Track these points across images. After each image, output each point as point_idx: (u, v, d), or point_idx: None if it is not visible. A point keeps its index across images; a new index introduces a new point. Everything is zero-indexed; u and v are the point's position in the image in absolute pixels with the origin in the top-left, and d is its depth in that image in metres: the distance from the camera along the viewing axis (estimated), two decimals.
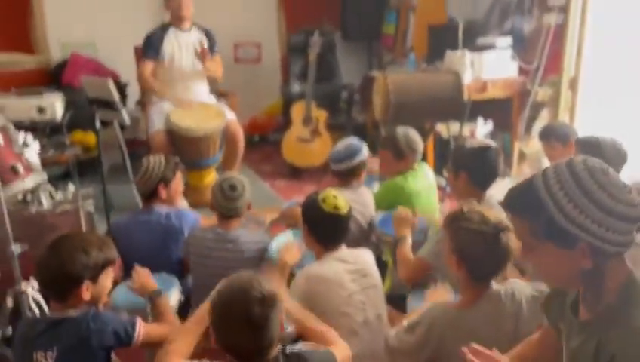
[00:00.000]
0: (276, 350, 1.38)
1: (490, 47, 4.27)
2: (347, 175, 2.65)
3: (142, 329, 1.64)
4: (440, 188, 3.66)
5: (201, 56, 3.64)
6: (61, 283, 1.59)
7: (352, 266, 1.98)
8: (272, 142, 5.62)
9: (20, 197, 2.21)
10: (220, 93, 4.38)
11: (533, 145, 4.27)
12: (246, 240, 2.31)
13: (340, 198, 2.01)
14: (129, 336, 1.61)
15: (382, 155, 2.87)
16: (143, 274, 1.97)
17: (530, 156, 4.43)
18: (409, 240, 2.30)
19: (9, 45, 5.06)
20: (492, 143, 2.34)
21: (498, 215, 1.59)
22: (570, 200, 1.02)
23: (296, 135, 4.70)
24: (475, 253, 1.56)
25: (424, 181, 2.87)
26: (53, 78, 5.11)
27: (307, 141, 4.61)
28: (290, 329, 1.72)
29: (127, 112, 4.99)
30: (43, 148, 2.95)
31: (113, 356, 1.72)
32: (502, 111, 4.36)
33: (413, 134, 2.84)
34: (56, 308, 1.62)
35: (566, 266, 1.08)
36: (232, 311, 1.33)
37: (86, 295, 1.63)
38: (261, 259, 2.31)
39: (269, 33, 6.04)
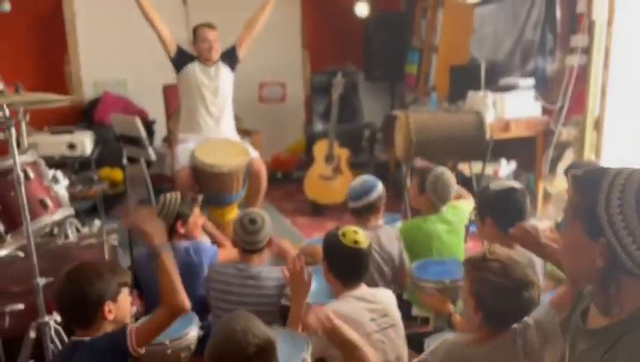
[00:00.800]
0: None
1: (512, 87, 4.29)
2: (365, 211, 2.65)
3: (133, 333, 1.61)
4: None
5: None
6: (84, 308, 1.63)
7: (371, 305, 1.96)
8: (294, 179, 5.67)
9: (47, 230, 2.26)
10: (244, 132, 4.47)
11: (558, 184, 4.22)
12: (267, 276, 2.31)
13: (360, 233, 2.01)
14: (123, 346, 1.59)
15: (412, 182, 2.89)
16: (153, 220, 1.83)
17: (556, 196, 4.38)
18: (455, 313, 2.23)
19: (45, 85, 5.28)
20: (517, 184, 2.30)
21: (524, 266, 1.55)
22: (621, 198, 1.03)
23: (319, 173, 4.74)
24: (494, 305, 1.53)
25: (448, 225, 2.81)
26: (85, 115, 5.30)
27: (329, 179, 4.64)
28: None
29: (153, 149, 5.22)
30: (72, 183, 3.03)
31: None
32: (525, 151, 4.34)
33: (446, 178, 2.80)
34: (81, 334, 1.65)
35: (583, 255, 1.07)
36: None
37: (109, 316, 1.66)
38: (280, 294, 2.30)
39: (293, 73, 6.18)
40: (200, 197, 2.78)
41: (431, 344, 2.07)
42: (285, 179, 5.87)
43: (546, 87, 4.33)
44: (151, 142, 5.26)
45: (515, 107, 4.20)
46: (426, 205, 2.82)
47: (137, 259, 2.60)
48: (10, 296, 2.17)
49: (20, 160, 1.95)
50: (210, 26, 3.76)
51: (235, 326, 1.38)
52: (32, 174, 2.02)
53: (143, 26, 5.46)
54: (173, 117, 4.68)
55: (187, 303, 1.70)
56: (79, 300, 1.63)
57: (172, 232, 2.52)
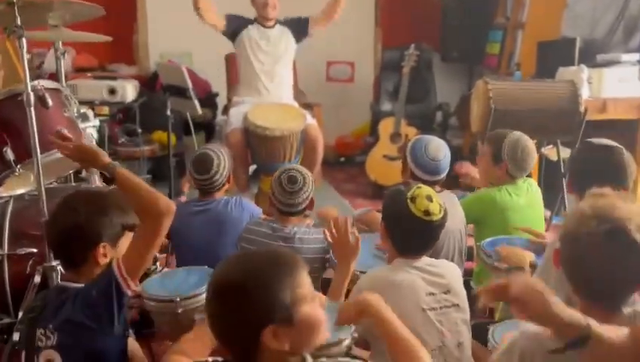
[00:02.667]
0: None
1: (613, 63, 3.73)
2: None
3: (122, 269, 1.33)
4: (545, 220, 3.13)
5: None
6: (75, 243, 1.37)
7: (432, 277, 1.58)
8: (357, 163, 5.35)
9: (70, 171, 2.06)
10: (304, 105, 4.19)
11: None
12: (304, 237, 1.99)
13: (434, 200, 1.61)
14: (115, 284, 1.32)
15: (482, 151, 2.46)
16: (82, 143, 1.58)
17: None
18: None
19: (113, 54, 5.31)
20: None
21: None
22: None
23: (383, 152, 4.38)
24: (600, 277, 1.11)
25: (526, 198, 2.40)
26: (149, 85, 5.24)
27: (393, 159, 4.25)
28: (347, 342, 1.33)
29: (215, 121, 5.08)
30: (115, 137, 2.85)
31: (139, 352, 1.46)
32: (624, 136, 3.71)
33: (527, 144, 2.39)
34: (68, 277, 1.39)
35: None
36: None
37: (102, 259, 1.40)
38: (323, 262, 1.98)
39: (363, 52, 5.84)
40: (252, 167, 2.52)
41: (496, 333, 1.67)
42: (348, 162, 5.56)
43: None
44: (214, 115, 5.15)
45: (614, 85, 3.65)
46: (501, 177, 2.38)
47: (176, 215, 2.38)
48: (28, 238, 1.98)
49: (37, 83, 1.74)
50: None
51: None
52: (50, 101, 1.80)
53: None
54: (233, 86, 4.49)
55: (169, 203, 1.39)
56: (70, 232, 1.37)
57: (219, 190, 2.28)
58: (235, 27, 3.56)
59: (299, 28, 3.64)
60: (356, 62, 5.85)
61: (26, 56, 1.65)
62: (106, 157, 1.45)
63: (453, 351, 1.55)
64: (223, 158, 2.25)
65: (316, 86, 5.39)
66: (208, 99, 5.06)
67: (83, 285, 1.37)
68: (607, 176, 1.75)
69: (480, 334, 1.72)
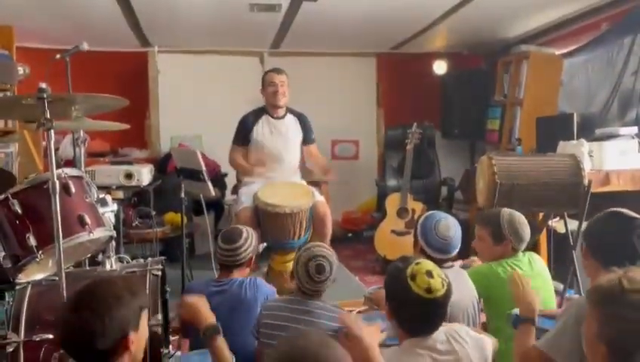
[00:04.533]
0: None
1: (612, 136, 3.83)
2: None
3: None
4: (556, 292, 3.10)
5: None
6: (102, 343, 1.33)
7: (444, 357, 1.56)
8: (364, 239, 5.37)
9: (89, 254, 2.09)
10: (312, 183, 4.28)
11: None
12: (323, 312, 1.99)
13: (435, 276, 1.58)
14: None
15: (479, 235, 2.49)
16: (197, 300, 1.74)
17: None
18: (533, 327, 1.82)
19: (125, 142, 5.49)
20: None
21: None
22: None
23: (391, 227, 4.41)
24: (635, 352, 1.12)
25: (529, 268, 2.42)
26: (159, 167, 5.36)
27: (401, 234, 4.28)
28: None
29: (224, 202, 5.15)
30: (129, 219, 2.90)
31: None
32: (628, 207, 3.77)
33: (520, 216, 2.47)
34: None
35: None
36: None
37: (132, 347, 1.39)
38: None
39: (367, 131, 6.04)
40: (262, 246, 2.58)
41: None
42: (356, 238, 5.59)
43: None
44: (222, 196, 5.23)
45: (615, 157, 3.72)
46: (505, 253, 2.41)
47: (188, 291, 2.39)
48: (44, 324, 1.98)
49: (61, 171, 1.82)
50: (277, 70, 3.72)
51: (311, 338, 1.09)
52: (73, 188, 1.87)
53: (220, 84, 5.67)
54: None
55: None
56: (95, 334, 1.32)
57: (239, 268, 2.36)
58: (247, 128, 3.76)
59: (305, 129, 3.86)
60: (360, 140, 6.02)
61: (53, 147, 1.74)
62: (209, 320, 1.68)
63: None
64: (250, 235, 2.33)
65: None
66: (217, 180, 5.16)
67: None
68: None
69: None
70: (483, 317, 2.45)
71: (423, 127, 4.98)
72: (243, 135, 3.71)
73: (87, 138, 2.49)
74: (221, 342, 1.64)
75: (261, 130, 3.70)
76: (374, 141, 6.05)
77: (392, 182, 5.17)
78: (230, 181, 5.29)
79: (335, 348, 1.07)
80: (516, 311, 1.99)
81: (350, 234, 5.61)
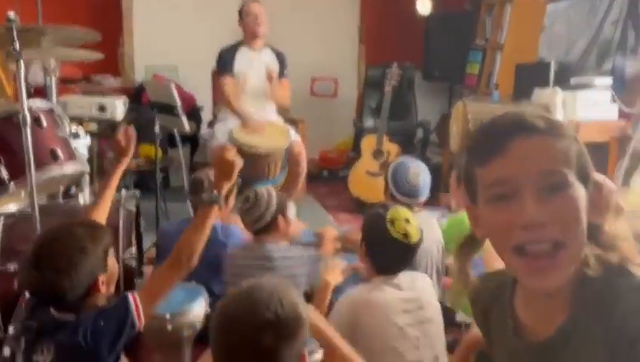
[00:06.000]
0: None
1: (586, 86, 3.87)
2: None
3: (137, 302, 1.37)
4: None
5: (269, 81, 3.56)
6: (72, 295, 1.37)
7: (407, 294, 1.67)
8: (340, 178, 5.43)
9: (61, 187, 2.10)
10: (289, 121, 4.27)
11: (633, 200, 3.75)
12: (283, 255, 2.06)
13: (412, 223, 1.71)
14: (130, 323, 1.35)
15: (452, 180, 2.57)
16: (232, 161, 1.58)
17: (630, 213, 3.91)
18: None
19: (98, 68, 5.33)
20: None
21: None
22: None
23: (365, 168, 4.47)
24: None
25: None
26: (134, 97, 5.26)
27: (376, 175, 4.34)
28: (318, 356, 1.41)
29: (200, 136, 5.13)
30: (102, 152, 2.89)
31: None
32: (595, 158, 3.84)
33: None
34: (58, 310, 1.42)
35: (585, 219, 0.79)
36: (232, 334, 1.03)
37: (103, 288, 1.44)
38: (306, 277, 2.05)
39: (347, 69, 5.97)
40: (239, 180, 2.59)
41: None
42: (331, 176, 5.65)
43: (624, 89, 3.89)
44: (198, 129, 5.19)
45: (587, 108, 3.78)
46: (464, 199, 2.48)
47: (165, 233, 2.43)
48: (18, 254, 2.01)
49: (31, 104, 1.80)
50: (256, 0, 3.61)
51: (261, 285, 1.09)
52: (44, 122, 1.86)
53: (197, 15, 5.50)
54: (219, 103, 4.55)
55: (195, 261, 1.47)
56: (64, 290, 1.35)
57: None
58: (231, 65, 3.65)
59: (281, 61, 3.76)
60: (339, 78, 5.97)
61: (23, 79, 1.70)
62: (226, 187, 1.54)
63: None
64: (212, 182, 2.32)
65: (300, 101, 5.48)
66: (193, 113, 5.11)
67: (82, 314, 1.39)
68: None
69: (456, 347, 1.81)
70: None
71: (403, 67, 4.95)
72: (229, 63, 3.62)
73: (58, 68, 2.42)
74: (214, 213, 1.53)
75: (241, 62, 3.63)
76: (354, 79, 6.00)
77: (369, 122, 5.18)
78: (206, 114, 5.25)
79: (287, 293, 1.09)
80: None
81: (326, 173, 5.66)
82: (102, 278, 1.43)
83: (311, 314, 1.32)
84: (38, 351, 1.38)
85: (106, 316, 1.37)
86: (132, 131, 1.70)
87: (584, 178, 0.81)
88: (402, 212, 1.73)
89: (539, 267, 0.77)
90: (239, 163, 1.53)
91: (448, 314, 2.31)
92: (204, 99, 5.26)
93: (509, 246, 0.79)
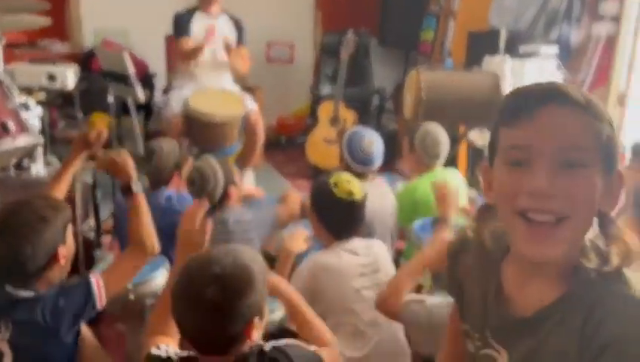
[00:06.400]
0: (249, 345, 1.13)
1: (533, 54, 4.01)
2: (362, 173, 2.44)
3: (100, 285, 1.42)
4: (470, 200, 3.40)
5: (227, 51, 3.51)
6: (33, 266, 1.39)
7: (363, 259, 1.76)
8: (298, 144, 5.45)
9: (13, 160, 2.06)
10: (246, 89, 4.25)
11: None
12: (237, 219, 2.11)
13: (354, 183, 1.81)
14: (91, 302, 1.40)
15: (404, 146, 2.68)
16: (126, 156, 1.67)
17: None
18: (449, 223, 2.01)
19: (44, 33, 5.09)
20: None
21: None
22: None
23: (322, 135, 4.52)
24: None
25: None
26: (82, 63, 5.08)
27: (333, 142, 4.40)
28: (279, 313, 1.49)
29: (154, 104, 5.03)
30: (54, 121, 2.82)
31: (89, 335, 1.54)
32: None
33: (437, 134, 2.60)
34: (16, 286, 1.43)
35: (597, 204, 0.78)
36: (185, 286, 1.09)
37: (62, 261, 1.46)
38: (259, 239, 2.11)
39: (303, 34, 5.92)
40: (194, 149, 2.60)
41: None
42: (289, 143, 5.66)
43: (569, 57, 4.05)
44: (151, 97, 5.08)
45: (534, 75, 3.92)
46: (416, 165, 2.60)
47: (122, 204, 2.43)
48: None
49: None
50: None
51: (222, 247, 1.15)
52: None
53: None
54: (173, 69, 4.46)
55: (157, 246, 1.56)
56: (26, 257, 1.36)
57: (165, 183, 2.36)
58: (187, 29, 3.56)
59: (239, 29, 3.70)
60: (296, 43, 5.92)
61: None
62: (133, 176, 1.61)
63: (384, 323, 1.74)
64: (166, 151, 2.32)
65: (256, 67, 5.42)
66: (145, 80, 4.99)
67: (34, 297, 1.41)
68: None
69: None
70: None
71: (359, 33, 4.96)
72: (185, 27, 3.54)
73: (3, 38, 2.33)
74: (141, 200, 1.61)
75: (198, 29, 3.56)
76: (310, 45, 5.97)
77: (326, 89, 5.20)
78: (159, 81, 5.13)
79: (243, 254, 1.14)
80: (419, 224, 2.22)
81: (284, 140, 5.67)
82: (62, 250, 1.45)
83: (278, 279, 1.39)
84: None
85: (67, 295, 1.40)
86: (126, 155, 1.72)
87: (609, 164, 0.78)
88: (344, 175, 1.84)
89: (539, 235, 0.76)
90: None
91: None
92: (157, 66, 5.13)
93: (514, 210, 0.78)
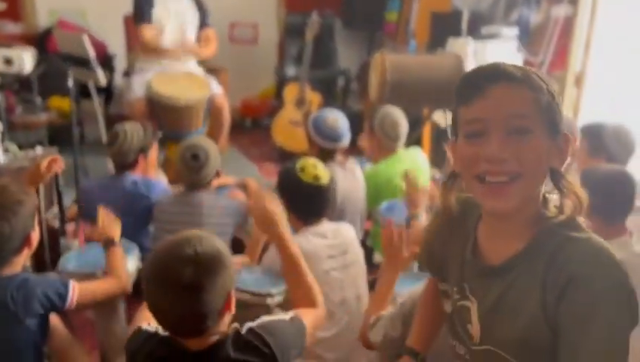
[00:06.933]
0: (224, 328, 1.15)
1: (494, 36, 4.09)
2: (333, 152, 2.46)
3: (76, 287, 1.47)
4: (433, 180, 3.47)
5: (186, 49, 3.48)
6: (9, 245, 1.43)
7: (331, 241, 1.80)
8: (264, 126, 5.43)
9: None
10: (210, 70, 4.18)
11: None
12: (210, 204, 2.12)
13: (319, 167, 1.83)
14: (62, 297, 1.42)
15: (365, 128, 2.72)
16: (109, 218, 1.82)
17: None
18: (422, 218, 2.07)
19: None
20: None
21: None
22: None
23: (288, 118, 4.51)
24: None
25: (407, 164, 2.66)
26: (38, 44, 4.90)
27: (298, 124, 4.41)
28: (277, 297, 1.52)
29: (114, 87, 4.91)
30: (11, 106, 2.73)
31: (58, 324, 1.54)
32: None
33: (396, 117, 2.64)
34: None
35: (545, 163, 0.91)
36: (160, 269, 1.10)
37: (32, 246, 1.50)
38: (231, 226, 2.13)
39: (266, 14, 5.85)
40: (159, 133, 2.57)
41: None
42: (254, 126, 5.63)
43: (528, 38, 4.14)
44: (111, 79, 4.95)
45: (495, 57, 3.98)
46: (378, 148, 2.65)
47: (87, 190, 2.41)
48: None
49: None
50: None
51: (184, 233, 1.16)
52: None
53: None
54: (134, 50, 4.35)
55: (130, 284, 1.70)
56: (4, 237, 1.42)
57: (130, 167, 2.34)
58: (149, 12, 3.47)
59: (202, 17, 3.64)
60: (259, 23, 5.85)
61: None
62: (112, 234, 1.77)
63: (353, 303, 1.78)
64: (130, 135, 2.30)
65: (220, 48, 5.34)
66: (105, 62, 4.86)
67: (12, 275, 1.43)
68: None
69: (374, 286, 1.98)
70: None
71: (323, 15, 4.94)
72: (147, 10, 3.44)
73: None
74: (119, 252, 1.76)
75: (160, 11, 3.47)
76: (274, 25, 5.91)
77: (291, 70, 5.17)
78: (118, 63, 5.00)
79: (207, 237, 1.15)
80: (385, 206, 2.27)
81: (249, 122, 5.64)
82: (33, 235, 1.49)
83: (285, 230, 1.47)
84: None
85: (44, 285, 1.43)
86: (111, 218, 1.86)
87: (552, 127, 0.90)
88: (310, 160, 1.87)
89: (494, 191, 0.90)
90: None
91: (368, 255, 2.50)
92: (116, 47, 4.99)
93: (474, 175, 0.91)
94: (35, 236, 1.50)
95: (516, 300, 0.91)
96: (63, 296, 1.44)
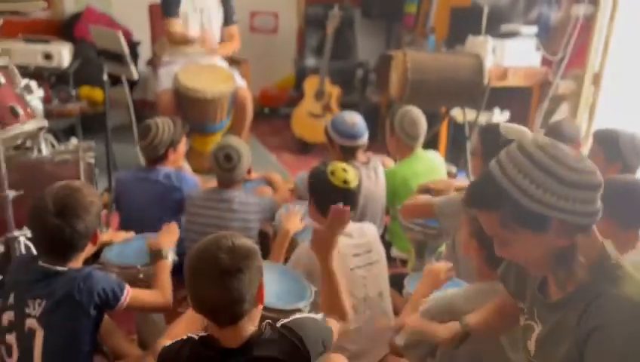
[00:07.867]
0: (256, 322, 1.27)
1: (514, 34, 4.13)
2: (354, 150, 2.56)
3: (130, 292, 1.61)
4: (450, 174, 3.56)
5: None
6: (80, 243, 1.57)
7: (357, 241, 1.91)
8: (282, 115, 5.52)
9: (18, 142, 2.13)
10: (232, 61, 4.27)
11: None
12: (241, 200, 2.24)
13: (349, 171, 1.93)
14: (116, 298, 1.56)
15: (387, 128, 2.81)
16: (172, 231, 1.97)
17: None
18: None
19: None
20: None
21: None
22: (531, 180, 1.01)
23: (308, 109, 4.60)
24: None
25: (424, 165, 2.74)
26: (65, 30, 5.01)
27: (318, 116, 4.50)
28: (305, 310, 1.63)
29: (137, 71, 5.00)
30: (48, 98, 2.85)
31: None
32: (520, 101, 4.24)
33: (415, 116, 2.70)
34: (52, 262, 1.56)
35: (542, 250, 1.07)
36: (200, 258, 1.23)
37: (97, 242, 1.65)
38: (258, 221, 2.25)
39: (287, 4, 5.90)
40: (187, 127, 2.68)
41: (410, 283, 2.04)
42: (273, 114, 5.72)
43: (548, 37, 4.18)
44: (135, 65, 5.04)
45: (514, 55, 4.06)
46: (397, 146, 2.74)
47: (121, 181, 2.54)
48: None
49: None
50: None
51: (219, 232, 1.30)
52: (2, 79, 1.86)
53: None
54: (159, 40, 4.45)
55: (171, 299, 1.80)
56: (80, 235, 1.55)
57: (161, 160, 2.45)
58: (177, 5, 3.59)
59: (226, 14, 3.75)
60: (280, 12, 5.91)
61: None
62: (163, 246, 1.93)
63: (375, 299, 1.91)
64: (161, 129, 2.41)
65: (240, 37, 5.43)
66: (129, 49, 4.95)
67: (70, 270, 1.55)
68: None
69: (396, 283, 2.10)
70: None
71: (343, 6, 4.99)
72: (174, 5, 3.55)
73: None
74: (166, 266, 1.86)
75: (184, 6, 3.57)
76: (294, 15, 5.96)
77: (310, 61, 5.24)
78: (143, 50, 5.10)
79: (238, 235, 1.28)
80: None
81: (267, 110, 5.72)
82: (98, 233, 1.64)
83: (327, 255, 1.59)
84: (30, 304, 1.50)
85: (105, 282, 1.56)
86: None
87: (533, 223, 1.07)
88: (339, 163, 1.97)
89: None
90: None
91: (386, 249, 2.61)
92: (140, 34, 5.08)
93: None
94: (99, 233, 1.63)
95: (560, 335, 1.09)
96: (117, 297, 1.57)
